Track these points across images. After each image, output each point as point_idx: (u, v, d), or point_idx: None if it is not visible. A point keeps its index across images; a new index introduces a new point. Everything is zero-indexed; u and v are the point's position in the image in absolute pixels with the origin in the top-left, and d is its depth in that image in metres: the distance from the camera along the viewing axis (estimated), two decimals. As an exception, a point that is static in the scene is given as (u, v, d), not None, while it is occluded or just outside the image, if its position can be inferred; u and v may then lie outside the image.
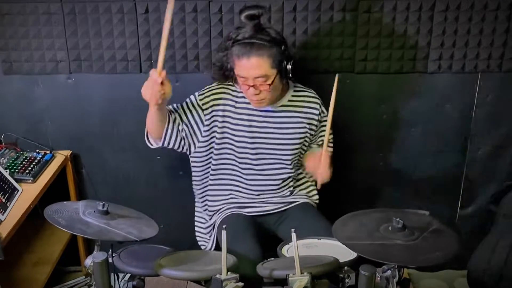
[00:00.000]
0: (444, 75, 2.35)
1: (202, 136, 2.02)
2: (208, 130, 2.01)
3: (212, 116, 1.99)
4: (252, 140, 2.02)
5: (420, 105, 2.42)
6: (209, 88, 2.02)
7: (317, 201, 2.22)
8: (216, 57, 2.00)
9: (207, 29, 2.27)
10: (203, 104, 1.99)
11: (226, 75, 1.98)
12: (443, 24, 2.26)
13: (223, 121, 1.99)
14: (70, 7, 2.24)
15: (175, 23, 2.26)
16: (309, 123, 2.06)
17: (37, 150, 2.42)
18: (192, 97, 2.04)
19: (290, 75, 1.90)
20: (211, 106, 1.99)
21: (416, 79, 2.36)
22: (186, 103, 2.03)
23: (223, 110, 1.99)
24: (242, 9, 1.90)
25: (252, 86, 1.85)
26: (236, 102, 2.00)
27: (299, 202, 2.14)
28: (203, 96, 2.00)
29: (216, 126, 2.00)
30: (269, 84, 1.85)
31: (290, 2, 2.21)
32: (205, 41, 2.29)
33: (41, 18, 2.27)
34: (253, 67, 1.82)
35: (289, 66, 1.88)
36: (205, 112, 1.99)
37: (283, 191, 2.14)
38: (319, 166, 1.93)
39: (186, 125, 2.00)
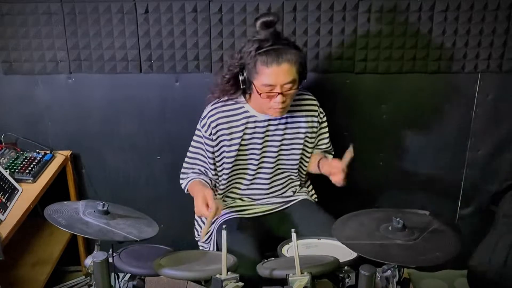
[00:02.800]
0: (444, 75, 2.35)
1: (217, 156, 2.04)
2: (218, 150, 2.02)
3: (218, 137, 1.99)
4: (258, 152, 2.02)
5: (420, 105, 2.42)
6: (206, 115, 1.99)
7: (316, 200, 2.23)
8: (228, 68, 1.93)
9: (207, 29, 2.27)
10: (209, 135, 1.99)
11: (230, 89, 1.95)
12: (443, 24, 2.26)
13: (231, 139, 1.99)
14: (70, 7, 2.24)
15: (175, 23, 2.26)
16: (310, 126, 2.06)
17: (37, 150, 2.42)
18: (197, 132, 2.04)
19: (305, 80, 1.90)
20: (217, 132, 1.98)
21: (416, 79, 2.36)
22: (200, 146, 2.05)
23: (228, 128, 1.98)
24: (257, 17, 1.85)
25: (280, 93, 1.82)
26: (236, 115, 1.99)
27: (299, 199, 2.15)
28: (206, 127, 1.99)
29: (225, 145, 2.00)
30: (296, 89, 1.85)
31: (290, 2, 2.21)
32: (205, 41, 2.29)
33: (41, 18, 2.27)
34: (283, 73, 1.79)
35: (305, 71, 1.89)
36: (214, 137, 1.99)
37: (286, 193, 2.16)
38: (335, 170, 1.93)
39: (213, 160, 2.04)
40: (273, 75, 1.79)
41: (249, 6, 2.22)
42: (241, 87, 1.89)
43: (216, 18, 2.25)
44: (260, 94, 1.83)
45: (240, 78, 1.87)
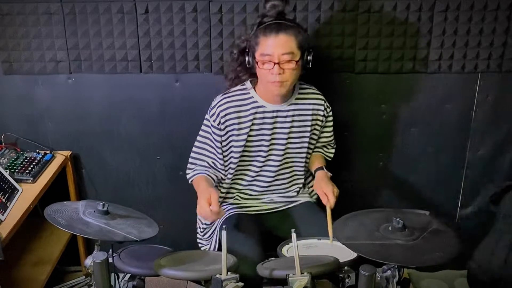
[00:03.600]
0: (444, 75, 2.35)
1: (224, 146, 2.05)
2: (226, 140, 2.02)
3: (226, 127, 2.00)
4: (267, 144, 2.03)
5: (420, 105, 2.42)
6: (215, 105, 2.00)
7: (316, 199, 2.23)
8: (235, 44, 2.04)
9: (207, 29, 2.27)
10: (218, 124, 1.99)
11: (240, 68, 2.01)
12: (443, 24, 2.26)
13: (240, 129, 2.00)
14: (70, 7, 2.24)
15: (175, 23, 2.26)
16: (315, 119, 2.07)
17: (37, 150, 2.42)
18: (206, 122, 2.04)
19: (310, 65, 1.93)
20: (225, 121, 1.99)
21: (416, 79, 2.36)
22: (207, 136, 2.04)
23: (237, 117, 1.99)
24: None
25: (277, 63, 1.84)
26: (245, 105, 2.00)
27: (302, 201, 2.15)
28: (215, 116, 1.99)
29: (233, 135, 2.01)
30: (296, 61, 1.86)
31: (290, 2, 2.20)
32: (205, 41, 2.29)
33: (41, 18, 2.27)
34: (280, 43, 1.84)
35: (309, 57, 1.91)
36: (222, 127, 2.00)
37: (290, 191, 2.15)
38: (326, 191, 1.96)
39: (221, 150, 2.03)
40: (271, 45, 1.84)
41: (249, 6, 2.22)
42: (247, 65, 1.94)
43: (216, 18, 2.25)
44: (257, 63, 1.88)
45: (246, 58, 1.93)
